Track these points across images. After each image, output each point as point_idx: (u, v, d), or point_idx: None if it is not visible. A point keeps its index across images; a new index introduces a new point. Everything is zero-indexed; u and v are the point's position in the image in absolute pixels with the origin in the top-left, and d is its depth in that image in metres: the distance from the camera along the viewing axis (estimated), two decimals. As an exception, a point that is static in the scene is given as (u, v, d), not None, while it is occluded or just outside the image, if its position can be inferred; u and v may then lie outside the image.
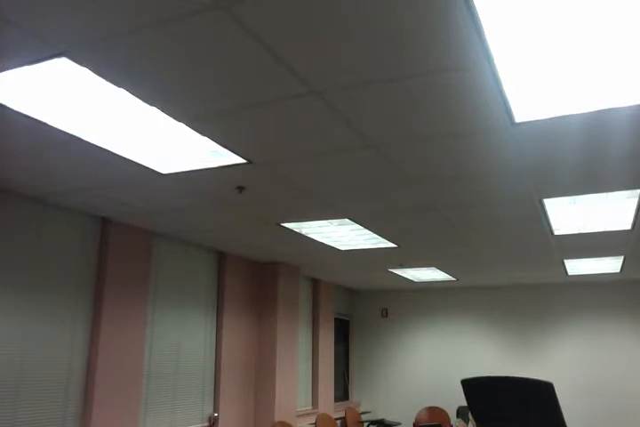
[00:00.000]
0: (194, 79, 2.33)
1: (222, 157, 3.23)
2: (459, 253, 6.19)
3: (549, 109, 2.56)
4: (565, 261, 6.47)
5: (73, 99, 2.51)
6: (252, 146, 3.07)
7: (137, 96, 2.47)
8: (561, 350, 8.29)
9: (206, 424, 5.74)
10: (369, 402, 9.34)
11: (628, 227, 4.78)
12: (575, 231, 5.00)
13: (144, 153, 3.19)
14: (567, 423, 2.77)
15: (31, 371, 3.95)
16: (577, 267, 6.90)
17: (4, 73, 2.25)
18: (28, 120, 2.70)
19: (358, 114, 2.65)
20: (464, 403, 7.08)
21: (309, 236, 5.33)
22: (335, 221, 4.79)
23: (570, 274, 7.49)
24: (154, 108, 2.60)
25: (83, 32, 1.97)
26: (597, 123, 2.69)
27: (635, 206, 4.20)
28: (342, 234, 5.25)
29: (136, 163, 3.31)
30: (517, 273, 7.54)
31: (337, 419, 7.96)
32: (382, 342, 9.53)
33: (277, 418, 6.39)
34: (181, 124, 2.77)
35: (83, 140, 2.96)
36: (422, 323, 9.32)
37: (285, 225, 4.92)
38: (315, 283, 8.29)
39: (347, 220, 4.70)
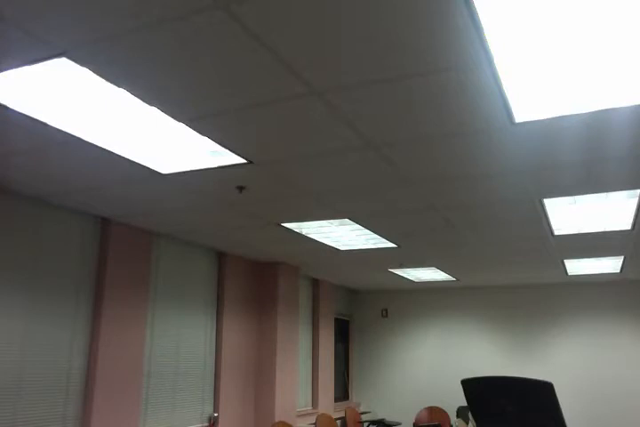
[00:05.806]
0: (194, 79, 2.33)
1: (222, 156, 3.24)
2: (459, 253, 6.19)
3: (549, 109, 2.56)
4: (565, 261, 6.47)
5: (73, 99, 2.51)
6: (252, 146, 3.07)
7: (137, 96, 2.47)
8: (561, 350, 8.29)
9: (206, 424, 5.74)
10: (369, 402, 9.34)
11: (628, 227, 4.78)
12: (575, 231, 5.00)
13: (144, 153, 3.19)
14: (567, 423, 2.78)
15: (31, 371, 3.95)
16: (577, 267, 6.90)
17: (3, 73, 2.25)
18: (28, 120, 2.70)
19: (358, 114, 2.65)
20: (464, 403, 7.09)
21: (309, 236, 5.33)
22: (335, 221, 4.79)
23: (570, 274, 7.48)
24: (154, 108, 2.60)
25: (83, 32, 1.97)
26: (597, 123, 2.69)
27: (635, 206, 4.20)
28: (342, 234, 5.25)
29: (136, 163, 3.31)
30: (517, 273, 7.54)
31: (337, 419, 7.96)
32: (382, 342, 9.52)
33: (277, 418, 6.39)
34: (181, 124, 2.77)
35: (83, 140, 2.96)
36: (422, 323, 9.31)
37: (285, 225, 4.92)
38: (315, 283, 8.29)
39: (347, 220, 4.70)
